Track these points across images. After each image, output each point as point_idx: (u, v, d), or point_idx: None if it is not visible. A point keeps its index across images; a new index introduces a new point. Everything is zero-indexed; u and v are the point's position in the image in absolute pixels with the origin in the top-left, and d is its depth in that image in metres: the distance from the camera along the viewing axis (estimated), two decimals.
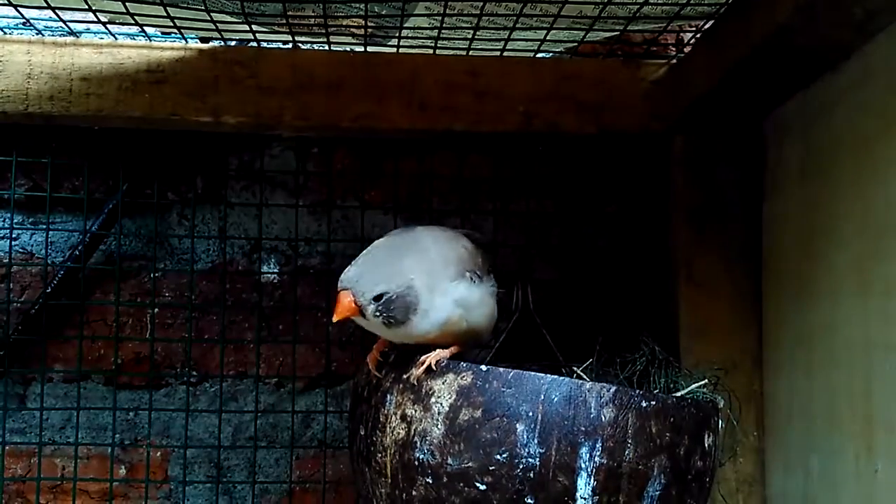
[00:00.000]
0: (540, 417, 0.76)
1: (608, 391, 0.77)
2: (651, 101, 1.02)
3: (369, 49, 1.02)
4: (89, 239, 1.07)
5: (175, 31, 0.96)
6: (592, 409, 0.76)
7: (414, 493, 0.79)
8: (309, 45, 1.02)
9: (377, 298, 0.80)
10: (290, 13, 0.89)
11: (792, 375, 0.95)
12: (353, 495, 1.09)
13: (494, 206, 1.13)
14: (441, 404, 0.78)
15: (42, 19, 0.96)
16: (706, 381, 0.89)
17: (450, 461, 0.77)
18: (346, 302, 0.80)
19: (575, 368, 0.92)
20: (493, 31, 0.95)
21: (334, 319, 0.81)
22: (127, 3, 0.87)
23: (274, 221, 1.12)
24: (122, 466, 1.10)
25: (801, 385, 0.92)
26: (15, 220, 1.09)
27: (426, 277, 0.82)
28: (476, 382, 0.78)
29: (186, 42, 1.00)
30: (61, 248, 1.10)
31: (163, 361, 1.11)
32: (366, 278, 0.81)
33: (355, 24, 0.93)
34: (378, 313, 0.81)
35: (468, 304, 0.84)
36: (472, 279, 0.85)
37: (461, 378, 0.79)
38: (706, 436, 0.81)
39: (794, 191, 0.95)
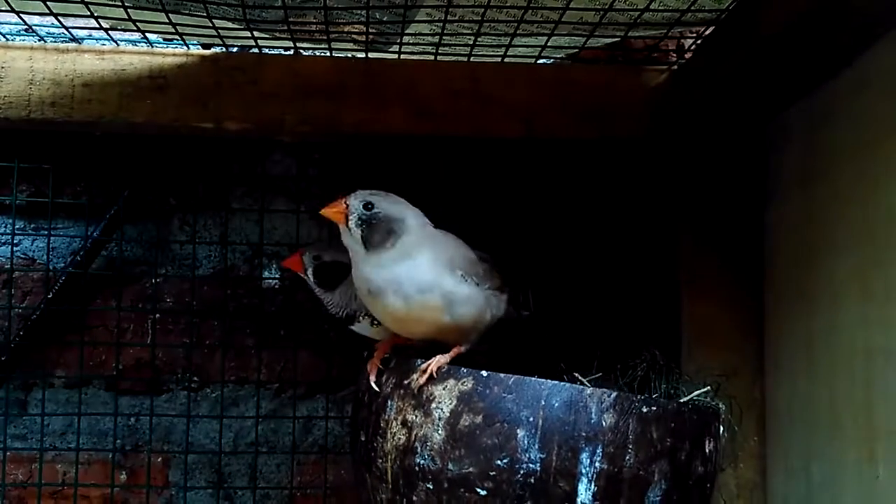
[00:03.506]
0: (541, 423, 0.76)
1: (609, 397, 0.77)
2: (652, 107, 1.02)
3: (371, 55, 1.02)
4: (91, 245, 1.08)
5: (177, 37, 0.96)
6: (593, 415, 0.76)
7: (415, 498, 0.79)
8: (310, 51, 1.02)
9: (366, 207, 0.84)
10: (291, 19, 0.90)
11: (793, 381, 0.95)
12: (355, 501, 1.09)
13: (496, 211, 1.13)
14: (442, 410, 0.78)
15: (44, 26, 0.97)
16: (707, 387, 0.89)
17: (450, 467, 0.77)
18: (338, 202, 0.85)
19: (576, 374, 0.92)
20: (494, 38, 0.95)
21: (321, 212, 0.86)
22: (129, 10, 0.87)
23: (275, 227, 1.13)
24: (123, 472, 1.10)
25: (802, 391, 0.92)
26: (17, 226, 1.09)
27: (422, 231, 0.86)
28: (477, 388, 0.78)
29: (188, 48, 1.01)
30: (63, 253, 1.10)
31: (164, 367, 1.11)
32: (367, 195, 0.85)
33: (357, 30, 0.94)
34: (360, 222, 0.84)
35: (452, 298, 0.85)
36: (463, 278, 0.86)
37: (462, 384, 0.79)
38: (707, 441, 0.81)
39: (795, 197, 0.95)
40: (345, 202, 0.85)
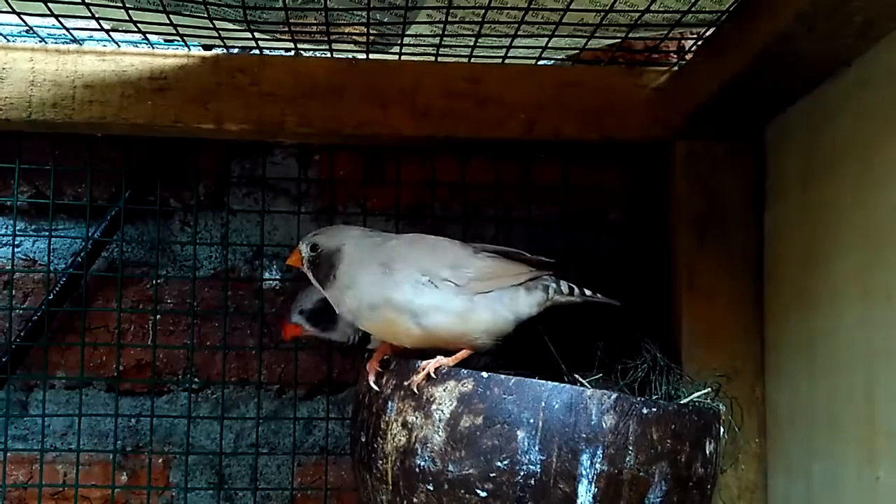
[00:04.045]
0: (541, 424, 0.76)
1: (609, 398, 0.77)
2: (652, 107, 1.02)
3: (371, 56, 1.02)
4: (92, 246, 1.08)
5: (178, 38, 0.96)
6: (593, 416, 0.76)
7: (415, 500, 0.79)
8: (311, 52, 1.03)
9: (312, 249, 0.89)
10: (292, 20, 0.90)
11: (794, 382, 0.95)
12: (355, 502, 1.09)
13: (496, 212, 1.13)
14: (442, 411, 0.78)
15: (45, 27, 0.97)
16: (708, 388, 0.89)
17: (451, 468, 0.77)
18: (296, 249, 0.91)
19: (577, 376, 0.92)
20: (494, 39, 0.95)
21: (286, 263, 0.93)
22: (130, 11, 0.87)
23: (276, 228, 1.13)
24: (124, 473, 1.10)
25: (803, 392, 0.92)
26: (17, 227, 1.09)
27: (360, 252, 0.87)
28: (477, 389, 0.78)
29: (189, 49, 1.01)
30: (64, 254, 1.10)
31: (165, 368, 1.11)
32: (312, 237, 0.90)
33: (357, 31, 0.94)
34: (310, 265, 0.89)
35: (414, 308, 0.84)
36: (432, 283, 0.84)
37: (462, 385, 0.79)
38: (707, 443, 0.81)
39: (796, 197, 0.95)
40: (298, 248, 0.91)
